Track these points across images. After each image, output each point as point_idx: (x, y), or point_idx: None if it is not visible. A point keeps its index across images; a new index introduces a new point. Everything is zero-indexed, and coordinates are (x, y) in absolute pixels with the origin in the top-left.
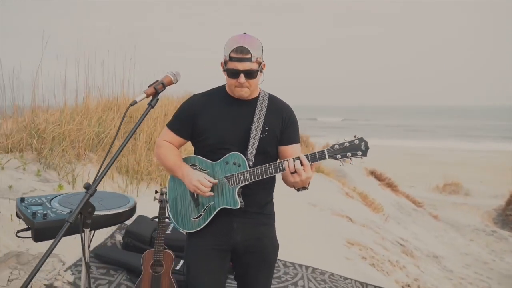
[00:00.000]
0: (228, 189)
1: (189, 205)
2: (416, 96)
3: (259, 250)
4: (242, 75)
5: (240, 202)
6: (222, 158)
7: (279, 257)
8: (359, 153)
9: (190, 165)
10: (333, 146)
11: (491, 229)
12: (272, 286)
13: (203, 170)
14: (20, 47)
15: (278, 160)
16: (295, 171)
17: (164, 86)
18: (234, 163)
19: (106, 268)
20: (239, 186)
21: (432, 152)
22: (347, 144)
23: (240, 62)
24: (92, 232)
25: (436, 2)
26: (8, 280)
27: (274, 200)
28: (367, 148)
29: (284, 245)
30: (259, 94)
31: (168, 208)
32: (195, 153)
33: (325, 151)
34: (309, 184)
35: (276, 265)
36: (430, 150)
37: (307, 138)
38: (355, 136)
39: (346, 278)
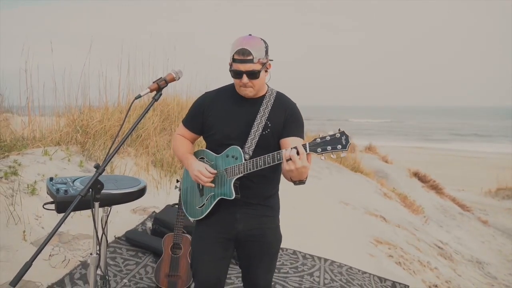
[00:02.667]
0: (226, 180)
1: (196, 195)
2: (464, 97)
3: (260, 240)
4: (244, 75)
5: (236, 193)
6: (224, 151)
7: (299, 249)
8: (339, 147)
9: (199, 158)
10: (315, 139)
11: None
12: (288, 276)
13: (208, 162)
14: (70, 50)
15: None
16: (290, 158)
17: (166, 82)
18: (233, 156)
19: (135, 250)
20: (235, 178)
21: (485, 156)
22: (328, 138)
23: (242, 63)
24: (109, 208)
25: None
26: (50, 255)
27: (303, 197)
28: (347, 142)
29: (307, 239)
30: (266, 93)
31: (181, 197)
32: (206, 147)
33: (307, 144)
34: (306, 178)
35: (295, 256)
36: (483, 153)
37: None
38: (339, 129)
39: (364, 272)
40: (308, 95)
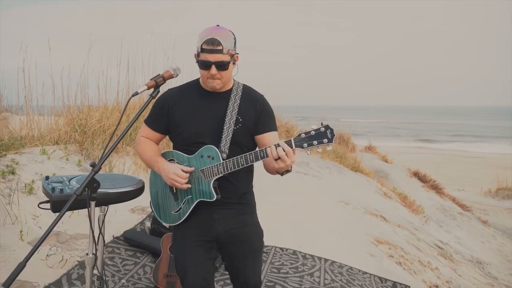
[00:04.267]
0: (204, 182)
1: (169, 199)
2: (464, 97)
3: (242, 239)
4: (213, 66)
5: (216, 194)
6: (197, 152)
7: (298, 249)
8: (325, 140)
9: (168, 160)
10: (299, 135)
11: None
12: (288, 276)
13: (180, 164)
14: (69, 49)
15: (258, 149)
16: (279, 158)
17: (164, 79)
18: (208, 156)
19: (134, 250)
20: (214, 179)
21: (485, 156)
22: (313, 133)
23: (211, 53)
24: (106, 208)
25: None
26: (47, 255)
27: (303, 196)
28: (333, 135)
29: (307, 238)
30: (232, 86)
31: (151, 203)
32: (173, 148)
33: (292, 140)
34: (291, 167)
35: (295, 256)
36: (483, 153)
37: (348, 138)
38: (321, 124)
39: (364, 273)
40: (307, 95)
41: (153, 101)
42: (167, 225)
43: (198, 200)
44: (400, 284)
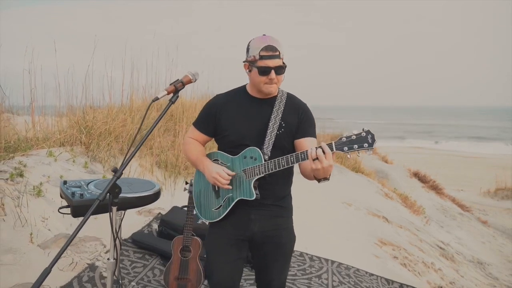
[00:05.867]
0: (245, 181)
1: (211, 197)
2: (463, 97)
3: (275, 241)
4: (273, 71)
5: (256, 193)
6: (241, 153)
7: (305, 251)
8: (366, 145)
9: (213, 160)
10: (340, 138)
11: None
12: (296, 278)
13: (223, 164)
14: (73, 50)
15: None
16: (317, 158)
17: (183, 84)
18: (251, 157)
19: (142, 253)
20: (254, 179)
21: (483, 156)
22: (354, 137)
23: (270, 59)
24: (123, 212)
25: None
26: None
27: (306, 197)
28: (373, 140)
29: (312, 240)
30: (277, 93)
31: (194, 200)
32: (218, 149)
33: (333, 143)
34: (330, 175)
35: (302, 258)
36: (482, 153)
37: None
38: (363, 129)
39: (371, 274)
40: (307, 95)
41: (172, 106)
42: (207, 221)
43: (238, 199)
44: (407, 286)
